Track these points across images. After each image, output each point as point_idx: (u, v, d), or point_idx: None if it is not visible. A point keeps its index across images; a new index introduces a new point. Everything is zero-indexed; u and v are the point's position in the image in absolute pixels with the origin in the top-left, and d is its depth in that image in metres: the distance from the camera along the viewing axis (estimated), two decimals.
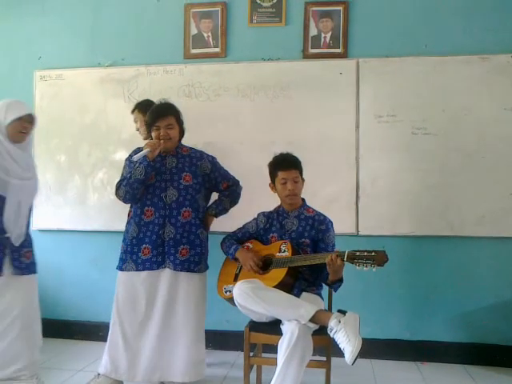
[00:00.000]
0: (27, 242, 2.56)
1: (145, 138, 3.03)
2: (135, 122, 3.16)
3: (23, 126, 2.50)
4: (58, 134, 3.56)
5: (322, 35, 3.42)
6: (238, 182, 2.87)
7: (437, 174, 3.25)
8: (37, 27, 3.72)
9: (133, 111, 3.17)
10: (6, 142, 2.47)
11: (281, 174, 2.58)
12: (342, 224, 3.02)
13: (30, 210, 2.62)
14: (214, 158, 2.81)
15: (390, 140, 3.30)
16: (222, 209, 2.79)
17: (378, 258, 2.22)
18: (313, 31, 3.42)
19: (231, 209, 2.86)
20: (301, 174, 2.61)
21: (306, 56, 3.43)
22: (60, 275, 3.46)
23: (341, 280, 2.46)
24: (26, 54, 3.72)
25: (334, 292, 2.60)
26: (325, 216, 2.61)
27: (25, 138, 2.53)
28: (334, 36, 3.40)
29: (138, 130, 3.15)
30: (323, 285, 2.57)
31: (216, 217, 2.79)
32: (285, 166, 2.58)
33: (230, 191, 2.83)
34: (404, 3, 3.34)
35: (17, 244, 2.49)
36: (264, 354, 2.75)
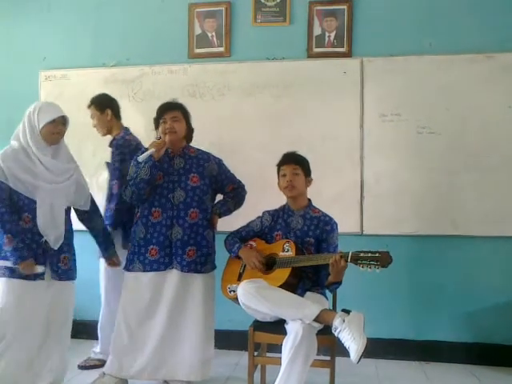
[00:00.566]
0: (67, 247, 2.54)
1: (103, 135, 3.08)
2: (92, 118, 3.09)
3: (57, 128, 2.49)
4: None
5: (327, 34, 3.41)
6: (244, 185, 2.88)
7: (441, 173, 3.24)
8: (42, 28, 3.74)
9: (89, 106, 3.09)
10: (35, 149, 2.45)
11: (281, 169, 2.63)
12: (346, 223, 3.02)
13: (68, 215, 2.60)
14: (220, 160, 2.82)
15: (395, 139, 3.29)
16: (226, 209, 2.79)
17: (382, 259, 2.22)
18: (317, 30, 3.42)
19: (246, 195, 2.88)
20: (304, 170, 2.61)
21: (311, 55, 3.42)
22: None
23: (339, 282, 2.46)
24: (31, 54, 3.74)
25: (330, 293, 2.60)
26: (330, 217, 2.61)
27: (58, 140, 2.52)
28: (339, 35, 3.39)
29: (94, 126, 3.10)
30: None
31: (220, 217, 2.79)
32: (285, 160, 2.64)
33: (236, 193, 2.83)
34: (408, 2, 3.34)
35: (55, 247, 2.47)
36: (268, 354, 2.75)
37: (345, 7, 3.39)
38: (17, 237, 2.37)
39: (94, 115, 3.07)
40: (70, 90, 3.66)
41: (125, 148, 2.99)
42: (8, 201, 2.41)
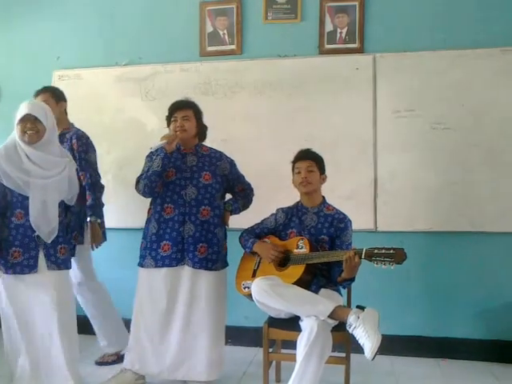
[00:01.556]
0: (63, 239, 2.61)
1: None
2: (46, 104, 2.94)
3: (25, 126, 2.50)
4: None
5: (338, 31, 3.40)
6: (253, 188, 2.89)
7: (456, 169, 3.21)
8: (55, 28, 3.76)
9: (41, 92, 3.02)
10: (23, 145, 2.51)
11: (296, 165, 2.63)
12: (360, 220, 3.00)
13: (68, 207, 2.67)
14: (232, 160, 2.83)
15: (408, 135, 3.27)
16: (236, 207, 2.81)
17: (397, 256, 2.21)
18: (328, 27, 3.41)
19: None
20: (319, 167, 2.61)
21: (322, 52, 3.41)
22: None
23: (352, 279, 2.45)
24: (44, 54, 3.77)
25: (343, 289, 2.59)
26: (345, 215, 2.60)
27: (33, 138, 2.51)
28: (350, 31, 3.37)
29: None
30: None
31: (231, 214, 2.80)
32: (300, 156, 2.64)
33: (245, 194, 2.86)
34: None
35: (49, 241, 2.54)
36: (283, 350, 2.75)
37: (356, 3, 3.37)
38: None
39: (49, 102, 2.94)
40: (83, 89, 3.68)
41: (87, 138, 3.03)
42: (1, 199, 2.50)
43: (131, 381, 2.69)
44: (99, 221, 2.97)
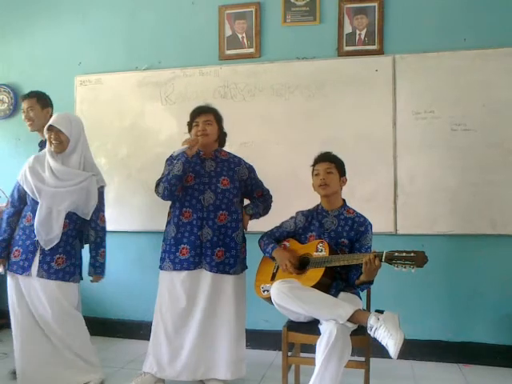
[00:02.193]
0: (64, 249, 2.65)
1: (34, 130, 2.99)
2: (28, 110, 2.97)
3: (50, 137, 2.65)
4: (98, 137, 3.64)
5: (357, 32, 3.38)
6: (271, 195, 2.89)
7: (477, 170, 3.17)
8: (76, 34, 3.83)
9: (29, 97, 2.99)
10: (48, 155, 2.67)
11: (315, 167, 2.62)
12: (379, 223, 2.98)
13: (85, 221, 2.71)
14: (251, 166, 2.84)
15: (429, 137, 3.23)
16: (256, 212, 2.82)
17: (418, 259, 2.18)
18: (347, 28, 3.39)
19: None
20: (338, 169, 2.60)
21: (341, 54, 3.40)
22: None
23: (371, 282, 2.44)
24: (66, 60, 3.84)
25: (361, 292, 2.58)
26: (365, 218, 2.58)
27: (57, 148, 2.65)
28: (369, 33, 3.36)
29: (28, 118, 2.97)
30: None
31: (250, 218, 2.81)
32: (318, 159, 2.63)
33: (264, 200, 2.86)
34: None
35: (46, 248, 2.61)
36: (302, 354, 2.74)
37: (375, 4, 3.35)
38: (1, 236, 2.67)
39: (34, 108, 2.98)
40: (103, 94, 3.74)
41: None
42: (18, 202, 2.71)
43: None
44: None
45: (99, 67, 3.77)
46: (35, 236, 2.61)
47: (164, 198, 2.70)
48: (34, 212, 2.63)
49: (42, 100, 3.02)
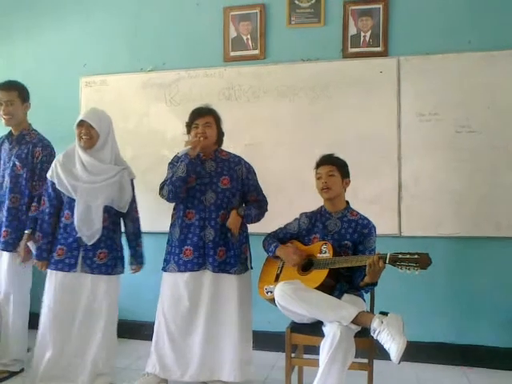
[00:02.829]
0: (105, 243, 2.71)
1: (9, 124, 2.91)
2: (8, 103, 2.87)
3: (81, 132, 2.68)
4: None
5: (362, 34, 3.38)
6: (267, 203, 2.85)
7: (482, 173, 3.16)
8: (82, 35, 3.85)
9: (8, 89, 2.87)
10: (79, 149, 2.70)
11: (318, 170, 2.62)
12: (384, 225, 2.98)
13: (114, 214, 2.76)
14: (251, 167, 2.82)
15: (433, 139, 3.23)
16: (249, 214, 2.73)
17: (422, 261, 2.18)
18: (352, 30, 3.39)
19: (266, 214, 2.84)
20: (340, 171, 2.59)
21: (346, 55, 3.40)
22: None
23: (375, 284, 2.43)
24: (72, 61, 3.86)
25: (365, 293, 2.57)
26: (369, 220, 2.58)
27: (87, 143, 2.68)
28: (374, 34, 3.36)
29: (6, 113, 2.87)
30: None
31: (242, 218, 2.72)
32: (320, 162, 2.63)
33: (258, 206, 2.80)
34: None
35: (89, 243, 2.67)
36: (306, 356, 2.74)
37: (380, 6, 3.35)
38: (46, 238, 2.72)
39: (15, 102, 2.88)
40: (108, 95, 3.75)
41: (51, 149, 2.99)
42: (55, 200, 2.72)
43: None
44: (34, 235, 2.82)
45: (104, 68, 3.79)
46: (76, 233, 2.65)
47: (169, 200, 2.70)
48: (71, 209, 2.66)
49: (22, 94, 2.94)
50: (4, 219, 2.87)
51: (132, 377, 2.83)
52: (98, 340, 2.70)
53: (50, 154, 2.95)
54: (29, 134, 2.98)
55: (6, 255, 2.87)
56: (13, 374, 2.91)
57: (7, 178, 2.91)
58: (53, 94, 3.85)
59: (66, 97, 3.80)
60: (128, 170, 2.82)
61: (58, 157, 2.76)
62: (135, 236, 2.86)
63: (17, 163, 2.89)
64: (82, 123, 2.67)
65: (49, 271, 2.72)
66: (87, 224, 2.65)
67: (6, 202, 2.88)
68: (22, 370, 2.96)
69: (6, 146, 2.98)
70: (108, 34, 3.80)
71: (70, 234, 2.67)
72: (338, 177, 2.58)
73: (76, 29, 3.86)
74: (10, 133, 3.00)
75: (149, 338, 2.82)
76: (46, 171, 2.83)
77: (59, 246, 2.69)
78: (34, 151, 2.91)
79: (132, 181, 2.84)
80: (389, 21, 3.33)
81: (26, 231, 2.83)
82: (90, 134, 2.67)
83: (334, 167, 2.59)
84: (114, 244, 2.77)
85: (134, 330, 3.47)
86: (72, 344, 2.69)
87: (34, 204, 2.86)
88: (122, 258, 2.84)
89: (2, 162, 2.98)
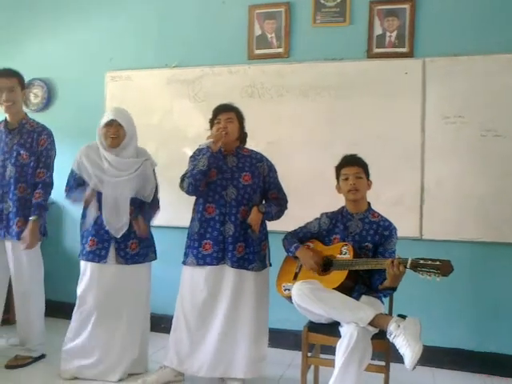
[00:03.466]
0: (135, 234, 2.77)
1: (8, 111, 2.88)
2: (10, 89, 2.84)
3: (109, 131, 2.71)
4: None
5: (387, 34, 3.35)
6: (287, 201, 2.84)
7: (507, 177, 3.10)
8: (108, 30, 3.90)
9: (9, 75, 2.84)
10: (102, 149, 2.74)
11: (343, 171, 2.59)
12: (405, 227, 2.95)
13: (140, 204, 2.82)
14: (273, 165, 2.83)
15: (458, 142, 3.18)
16: (269, 211, 2.73)
17: (443, 268, 2.16)
18: (377, 30, 3.37)
19: (286, 212, 2.84)
20: (365, 173, 2.58)
21: (370, 56, 3.37)
22: None
23: (394, 289, 2.42)
24: (98, 56, 3.91)
25: (385, 298, 2.55)
26: (390, 222, 2.56)
27: (114, 142, 2.73)
28: (400, 35, 3.32)
29: (7, 100, 2.84)
30: None
31: (263, 215, 2.72)
32: (347, 162, 2.60)
33: (278, 203, 2.80)
34: None
35: (117, 236, 2.72)
36: (322, 355, 2.74)
37: (407, 6, 3.31)
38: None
39: (16, 89, 2.86)
40: (133, 90, 3.79)
41: (53, 137, 2.99)
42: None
43: (170, 377, 2.75)
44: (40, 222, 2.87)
45: (130, 64, 3.83)
46: (104, 226, 2.70)
47: (189, 193, 2.73)
48: (99, 201, 2.71)
49: (22, 81, 2.92)
50: (14, 209, 2.85)
51: (149, 369, 2.87)
52: (133, 328, 2.78)
53: (53, 142, 2.99)
54: (28, 123, 2.95)
55: (22, 245, 2.85)
56: (35, 359, 2.99)
57: (11, 168, 2.87)
58: (79, 89, 3.91)
59: (92, 91, 3.86)
60: (150, 159, 2.87)
61: (82, 149, 2.80)
62: (149, 212, 2.89)
63: (22, 152, 2.87)
64: (111, 122, 2.71)
65: (81, 262, 2.79)
66: (116, 217, 2.71)
67: (13, 191, 2.86)
68: (43, 356, 3.05)
69: (2, 135, 2.92)
70: (134, 30, 3.84)
71: (101, 225, 2.72)
72: (364, 179, 2.57)
73: (103, 24, 3.91)
74: (6, 122, 2.95)
75: (167, 331, 2.85)
76: (51, 158, 2.92)
77: (90, 238, 2.74)
78: (39, 139, 2.91)
79: (154, 170, 2.89)
80: (415, 21, 3.29)
81: (31, 218, 2.82)
82: (118, 133, 2.72)
83: (361, 169, 2.56)
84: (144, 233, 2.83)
85: (153, 322, 3.49)
86: (108, 333, 2.75)
87: (38, 191, 2.86)
88: (153, 245, 2.91)
89: None
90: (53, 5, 4.03)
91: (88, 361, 2.76)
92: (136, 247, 2.78)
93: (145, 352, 2.91)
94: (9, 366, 2.91)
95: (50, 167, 2.94)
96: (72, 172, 2.80)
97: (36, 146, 2.91)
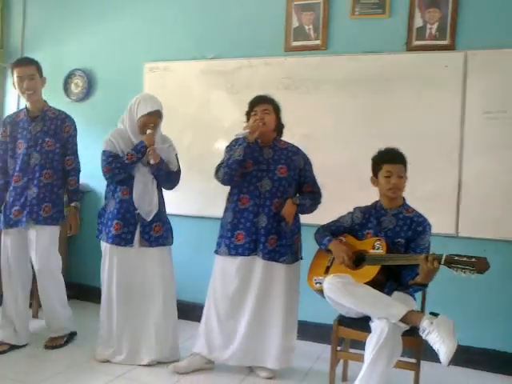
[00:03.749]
0: (158, 217, 2.83)
1: (29, 100, 2.91)
2: (30, 77, 2.87)
3: (150, 120, 2.77)
4: (165, 123, 3.73)
5: (428, 26, 3.27)
6: (321, 195, 2.84)
7: None
8: (147, 21, 3.95)
9: (27, 63, 2.89)
10: (134, 136, 2.78)
11: (386, 167, 2.52)
12: (440, 224, 2.90)
13: (161, 188, 2.89)
14: (308, 158, 2.83)
15: (499, 138, 3.09)
16: (304, 203, 2.74)
17: (479, 265, 2.11)
18: (418, 22, 3.29)
19: (319, 206, 2.83)
20: (405, 170, 2.54)
21: (410, 48, 3.30)
22: None
23: (426, 285, 2.38)
24: (137, 47, 3.97)
25: (415, 293, 2.52)
26: (424, 218, 2.51)
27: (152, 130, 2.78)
28: (441, 27, 3.24)
29: (28, 88, 2.88)
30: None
31: (297, 207, 2.73)
32: (391, 159, 2.53)
33: (313, 197, 2.80)
34: None
35: (148, 219, 2.79)
36: (351, 350, 2.73)
37: None
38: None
39: (35, 76, 2.89)
40: (170, 81, 3.84)
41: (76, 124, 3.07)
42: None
43: (200, 365, 2.80)
44: (79, 207, 3.04)
45: (168, 55, 3.87)
46: (134, 209, 2.76)
47: (224, 182, 2.75)
48: (129, 186, 2.76)
49: (40, 69, 2.95)
50: (41, 195, 2.91)
51: (181, 356, 2.92)
52: (160, 311, 2.82)
53: (76, 128, 3.07)
54: (49, 110, 3.01)
55: (48, 229, 2.94)
56: (66, 340, 3.09)
57: (36, 155, 2.92)
58: (118, 79, 3.99)
59: (131, 81, 3.92)
60: (172, 146, 2.92)
61: (112, 132, 2.82)
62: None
63: (46, 139, 2.93)
64: (155, 113, 2.77)
65: (105, 245, 2.83)
66: (146, 200, 2.77)
67: (38, 178, 2.91)
68: (72, 336, 3.15)
69: (24, 124, 2.96)
70: (173, 21, 3.88)
71: (128, 209, 2.76)
72: (404, 177, 2.52)
73: (143, 15, 3.96)
74: (27, 110, 2.98)
75: (199, 319, 2.90)
76: (76, 145, 3.02)
77: (116, 221, 2.77)
78: (63, 126, 2.99)
79: (176, 155, 2.94)
80: (458, 12, 3.20)
81: (72, 204, 2.96)
82: (157, 122, 2.80)
83: (403, 167, 2.51)
84: (164, 216, 2.90)
85: (185, 310, 3.56)
86: (135, 316, 2.82)
87: (71, 178, 2.99)
88: (171, 228, 2.96)
89: (19, 141, 2.95)
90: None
91: (120, 345, 2.83)
92: (160, 230, 2.83)
93: (176, 338, 2.94)
94: (47, 347, 3.04)
95: (76, 153, 3.06)
96: (105, 152, 2.77)
97: (60, 132, 2.98)
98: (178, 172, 2.93)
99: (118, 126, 2.88)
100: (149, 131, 2.74)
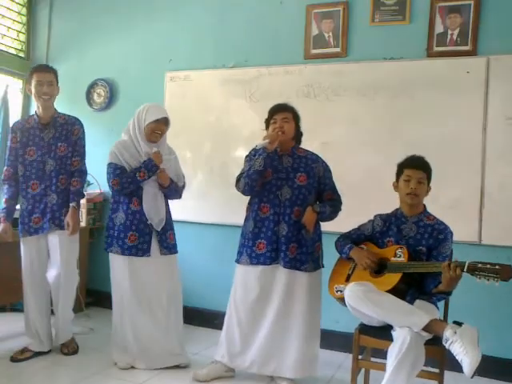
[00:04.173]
0: (169, 225, 2.92)
1: (44, 105, 2.94)
2: (49, 84, 2.92)
3: (158, 127, 2.84)
4: (185, 131, 3.80)
5: (449, 32, 3.25)
6: (341, 202, 2.82)
7: None
8: (168, 32, 4.01)
9: (45, 70, 2.94)
10: (142, 143, 2.83)
11: (406, 172, 2.51)
12: (463, 231, 2.87)
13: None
14: (328, 166, 2.82)
15: None
16: (324, 211, 2.72)
17: (503, 272, 2.08)
18: (439, 28, 3.27)
19: (339, 213, 2.81)
20: (428, 179, 2.51)
21: (431, 55, 3.29)
22: (183, 263, 3.68)
23: (449, 293, 2.34)
24: (158, 57, 4.04)
25: (438, 302, 2.48)
26: (446, 225, 2.48)
27: (158, 139, 2.86)
28: (462, 32, 3.22)
29: (45, 93, 2.92)
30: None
31: (318, 215, 2.72)
32: (412, 164, 2.51)
33: (333, 204, 2.78)
34: None
35: (158, 229, 2.84)
36: (373, 359, 2.70)
37: (471, 2, 3.20)
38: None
39: (53, 83, 2.96)
40: (191, 90, 3.89)
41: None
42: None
43: (221, 373, 2.81)
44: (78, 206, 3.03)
45: (188, 64, 3.93)
46: (146, 219, 2.81)
47: (245, 193, 2.77)
48: (139, 196, 2.82)
49: (57, 76, 3.01)
50: (60, 201, 2.94)
51: (201, 363, 2.93)
52: (173, 318, 2.89)
53: (84, 131, 3.10)
54: (59, 117, 3.04)
55: (67, 235, 2.95)
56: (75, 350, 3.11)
57: (51, 162, 2.95)
58: (139, 89, 4.05)
59: (152, 90, 3.98)
60: (175, 155, 3.01)
61: (116, 144, 2.86)
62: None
63: (59, 145, 2.97)
64: (163, 120, 2.85)
65: (116, 257, 2.83)
66: (156, 210, 2.83)
67: (55, 184, 2.95)
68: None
69: (36, 131, 2.99)
70: (193, 31, 3.93)
71: (140, 220, 2.81)
72: (425, 184, 2.49)
73: (163, 25, 4.03)
74: (38, 117, 3.00)
75: (220, 327, 2.90)
76: (84, 147, 3.05)
77: (130, 233, 2.80)
78: (73, 129, 3.02)
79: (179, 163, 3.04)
80: (480, 18, 3.18)
81: (71, 204, 2.94)
82: (164, 130, 2.87)
83: (425, 174, 2.49)
84: (172, 224, 2.98)
85: (206, 318, 3.59)
86: (150, 324, 2.85)
87: (75, 179, 2.99)
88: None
89: (30, 147, 2.97)
90: (115, 9, 4.19)
91: (137, 351, 2.86)
92: (173, 238, 2.94)
93: (182, 342, 2.98)
94: (67, 353, 3.07)
95: (83, 155, 3.07)
96: (111, 164, 2.80)
97: (71, 136, 3.02)
98: (184, 185, 3.03)
99: (121, 137, 2.91)
100: (155, 149, 2.81)
